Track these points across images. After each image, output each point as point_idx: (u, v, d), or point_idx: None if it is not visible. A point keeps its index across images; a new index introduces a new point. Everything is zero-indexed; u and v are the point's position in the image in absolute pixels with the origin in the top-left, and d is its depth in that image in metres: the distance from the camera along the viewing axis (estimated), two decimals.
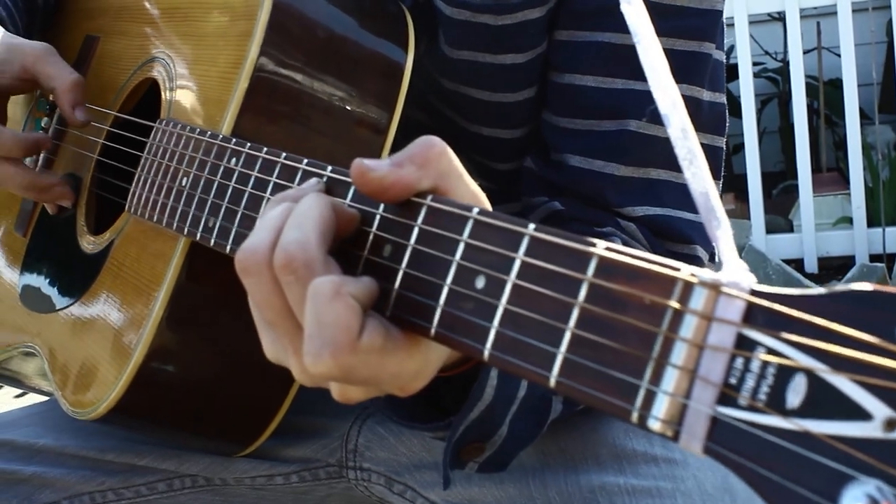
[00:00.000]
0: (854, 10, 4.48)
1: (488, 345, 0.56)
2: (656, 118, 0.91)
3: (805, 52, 4.61)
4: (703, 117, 1.01)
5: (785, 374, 0.44)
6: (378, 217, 0.64)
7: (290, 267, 0.60)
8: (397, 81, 0.98)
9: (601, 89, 1.00)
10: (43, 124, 1.27)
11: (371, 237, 0.64)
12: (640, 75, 0.62)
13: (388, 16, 1.01)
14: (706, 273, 0.48)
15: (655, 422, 0.48)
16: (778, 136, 5.61)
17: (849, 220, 4.57)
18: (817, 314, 0.44)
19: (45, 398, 1.28)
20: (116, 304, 1.03)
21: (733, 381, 0.46)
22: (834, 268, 4.55)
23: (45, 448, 1.14)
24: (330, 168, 0.70)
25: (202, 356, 1.00)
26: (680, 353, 0.48)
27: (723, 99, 1.03)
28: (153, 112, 1.08)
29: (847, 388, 0.42)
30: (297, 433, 1.12)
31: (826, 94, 5.12)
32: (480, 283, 0.57)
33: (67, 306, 1.12)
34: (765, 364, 0.45)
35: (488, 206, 0.63)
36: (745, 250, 4.28)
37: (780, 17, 5.07)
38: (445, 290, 0.59)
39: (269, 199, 0.77)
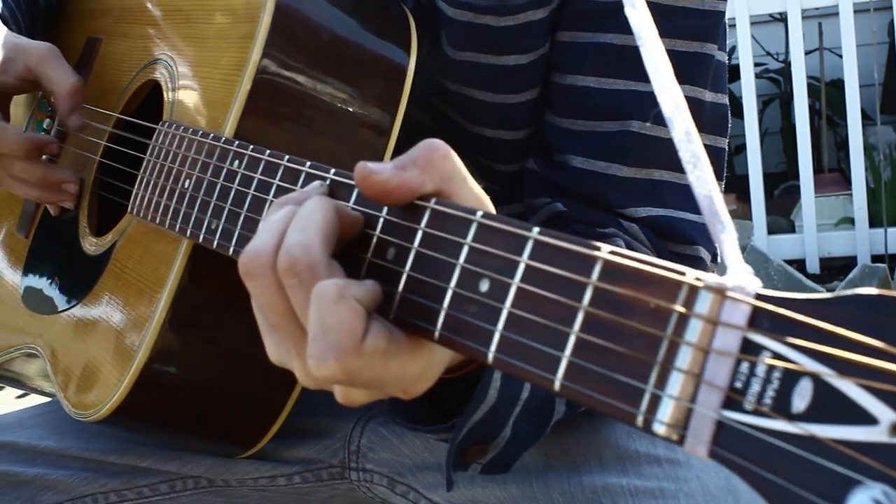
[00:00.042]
0: (856, 11, 4.48)
1: (492, 348, 0.56)
2: (660, 120, 0.91)
3: (807, 53, 4.61)
4: (706, 118, 1.01)
5: (790, 378, 0.44)
6: (381, 220, 0.64)
7: (294, 270, 0.60)
8: (400, 83, 0.98)
9: (603, 90, 1.00)
10: (45, 126, 1.27)
11: (374, 240, 0.64)
12: (642, 76, 0.62)
13: (390, 17, 1.01)
14: (711, 277, 0.48)
15: (660, 426, 0.48)
16: (779, 136, 5.62)
17: (850, 221, 4.57)
18: (822, 318, 0.44)
19: (47, 399, 1.28)
20: (119, 305, 1.03)
21: (739, 385, 0.46)
22: (836, 268, 4.54)
23: (48, 450, 1.14)
24: (333, 171, 0.69)
25: (205, 358, 1.00)
26: (685, 358, 0.48)
27: (725, 100, 1.03)
28: (156, 114, 1.08)
29: (853, 393, 0.42)
30: (299, 434, 1.12)
31: (828, 94, 5.13)
32: (484, 286, 0.57)
33: (70, 308, 1.12)
34: (770, 368, 0.45)
35: (492, 209, 0.63)
36: (746, 251, 4.27)
37: (782, 18, 5.07)
38: (449, 294, 0.59)
39: (271, 201, 0.76)
